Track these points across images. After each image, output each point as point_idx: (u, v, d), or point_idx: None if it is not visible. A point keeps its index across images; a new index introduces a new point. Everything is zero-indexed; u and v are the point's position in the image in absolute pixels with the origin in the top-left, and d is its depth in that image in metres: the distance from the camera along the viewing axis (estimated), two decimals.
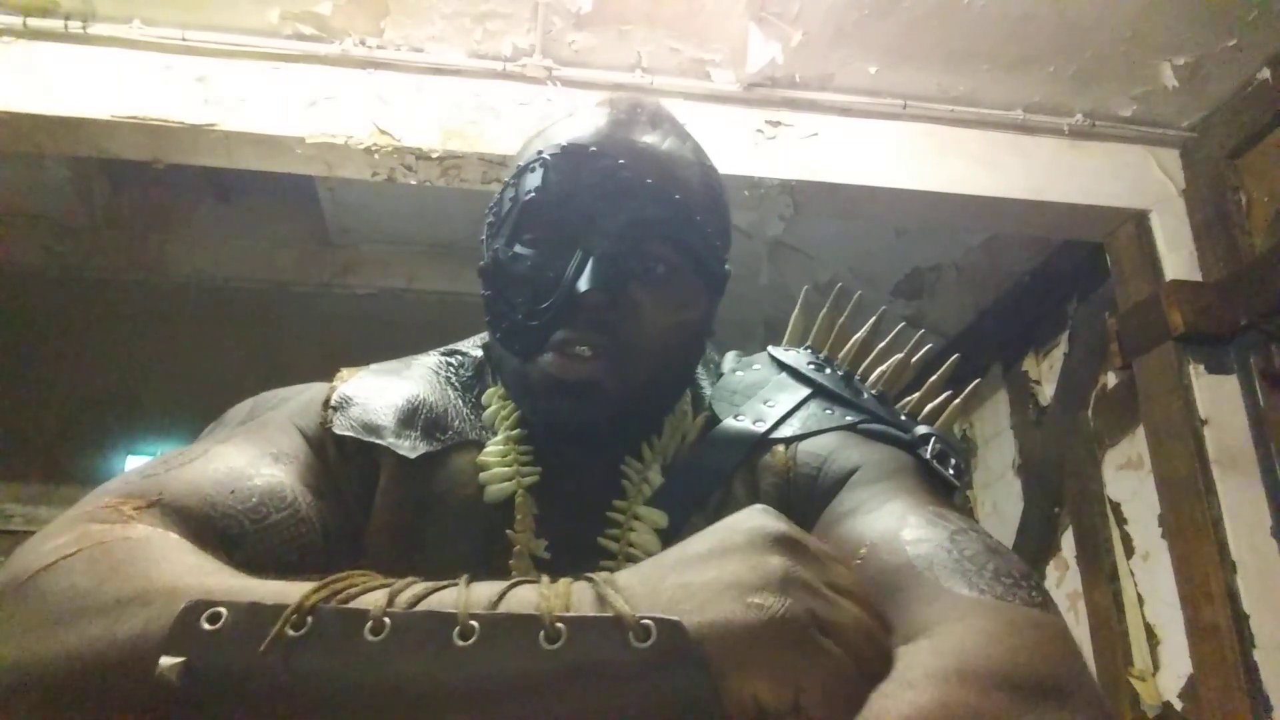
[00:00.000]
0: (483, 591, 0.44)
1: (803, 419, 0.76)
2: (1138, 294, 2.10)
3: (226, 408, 0.76)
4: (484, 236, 0.76)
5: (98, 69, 1.86)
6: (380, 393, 0.75)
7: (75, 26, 1.85)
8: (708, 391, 0.81)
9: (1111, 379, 2.34)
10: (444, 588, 0.44)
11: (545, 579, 0.45)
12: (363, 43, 1.94)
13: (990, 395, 2.93)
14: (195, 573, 0.47)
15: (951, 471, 0.71)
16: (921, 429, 0.75)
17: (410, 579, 0.45)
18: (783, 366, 0.83)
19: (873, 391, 0.81)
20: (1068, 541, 2.49)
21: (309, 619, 0.41)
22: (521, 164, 0.73)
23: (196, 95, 1.87)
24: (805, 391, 0.79)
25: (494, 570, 0.64)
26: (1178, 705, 2.03)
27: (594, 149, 0.70)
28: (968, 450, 3.05)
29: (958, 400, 0.81)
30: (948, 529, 0.59)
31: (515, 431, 0.73)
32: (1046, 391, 2.65)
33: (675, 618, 0.41)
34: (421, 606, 0.43)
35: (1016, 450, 2.78)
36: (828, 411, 0.77)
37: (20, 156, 2.62)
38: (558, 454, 0.72)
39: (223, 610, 0.42)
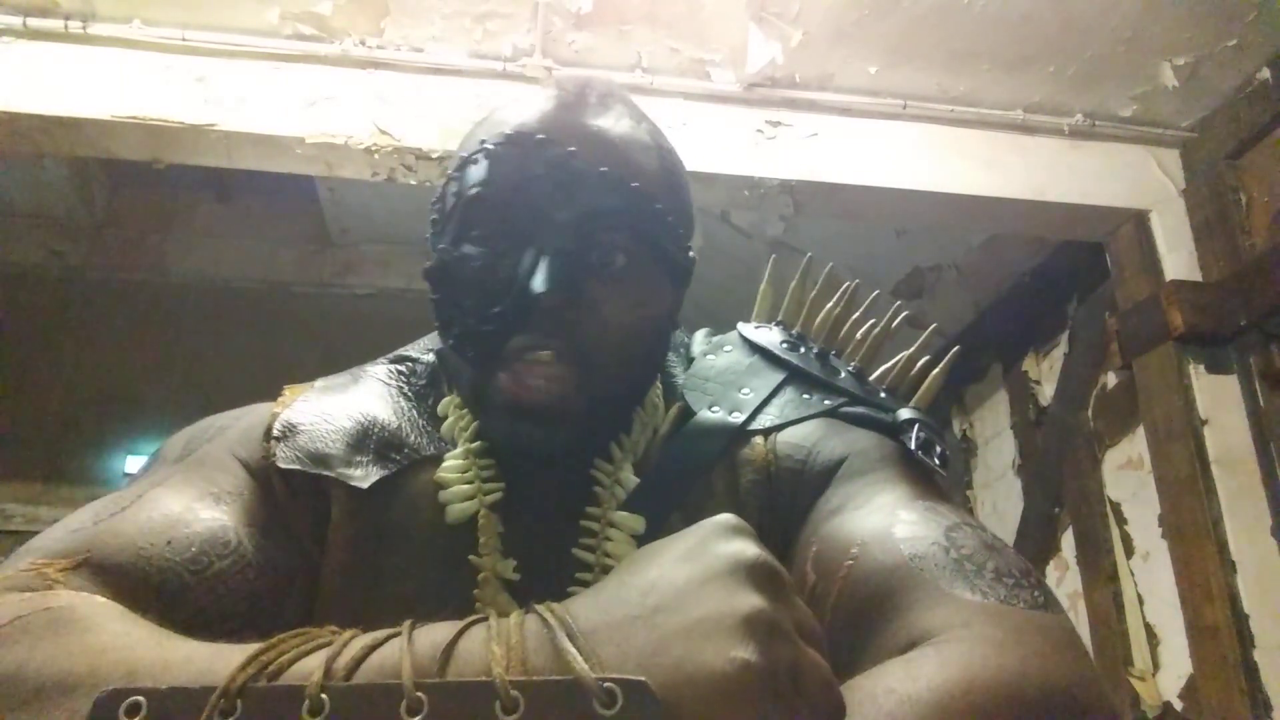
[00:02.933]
0: (427, 645, 0.40)
1: (780, 406, 0.72)
2: (1138, 294, 2.10)
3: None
4: (428, 235, 0.70)
5: (98, 69, 1.86)
6: (326, 415, 0.69)
7: (75, 26, 1.85)
8: (679, 379, 0.76)
9: (1111, 379, 2.34)
10: (385, 641, 0.40)
11: (492, 621, 0.41)
12: (363, 43, 1.94)
13: (990, 395, 2.93)
14: (120, 648, 0.43)
15: (937, 460, 0.66)
16: (905, 413, 0.70)
17: (351, 633, 0.41)
18: (755, 348, 0.78)
19: (849, 368, 0.76)
20: (1068, 541, 2.49)
21: (239, 702, 0.37)
22: (464, 155, 0.67)
23: (196, 95, 1.87)
24: (780, 376, 0.75)
25: (460, 599, 0.61)
26: (1178, 705, 2.03)
27: (541, 136, 0.64)
28: (967, 451, 3.05)
29: (937, 370, 0.76)
30: (942, 524, 0.56)
31: (475, 444, 0.67)
32: (1046, 391, 2.65)
33: (642, 679, 0.37)
34: (362, 672, 0.38)
35: (1016, 450, 2.78)
36: (805, 396, 0.73)
37: (20, 156, 2.62)
38: (522, 464, 0.67)
39: (141, 701, 0.37)
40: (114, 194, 3.32)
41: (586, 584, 0.62)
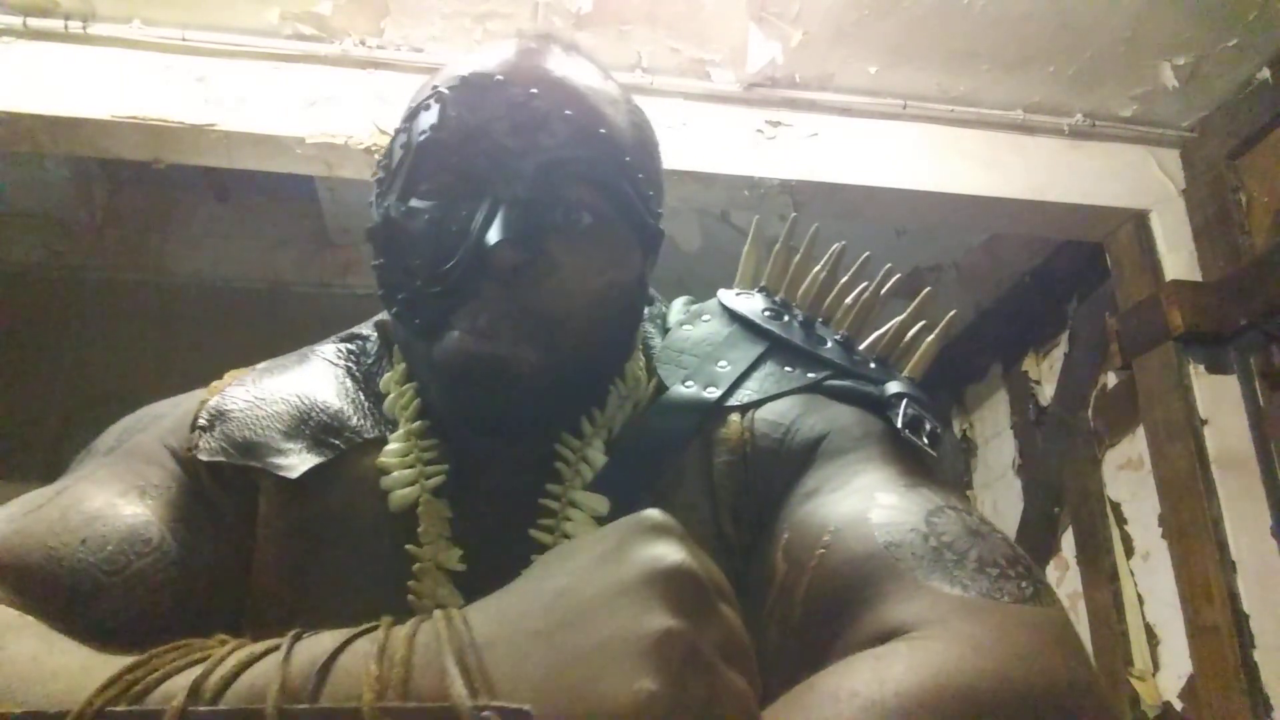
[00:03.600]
0: (304, 661, 0.36)
1: (759, 380, 0.66)
2: (1138, 294, 2.10)
3: None
4: (372, 197, 0.63)
5: (98, 69, 1.85)
6: (260, 400, 0.64)
7: (75, 26, 1.85)
8: (657, 351, 0.70)
9: (1111, 379, 2.34)
10: (263, 655, 0.37)
11: (382, 631, 0.37)
12: (363, 43, 1.94)
13: (990, 395, 2.93)
14: None
15: (926, 439, 0.61)
16: (893, 386, 0.65)
17: (232, 646, 0.38)
18: (735, 317, 0.71)
19: (837, 337, 0.70)
20: (1068, 541, 2.49)
21: None
22: (414, 104, 0.61)
23: (196, 95, 1.87)
24: (761, 347, 0.68)
25: (403, 595, 0.57)
26: (1178, 705, 2.03)
27: (500, 77, 0.58)
28: (967, 450, 3.04)
29: (932, 336, 0.70)
30: (923, 508, 0.51)
31: (416, 423, 0.61)
32: (1046, 391, 2.65)
33: (526, 708, 0.32)
34: (230, 694, 0.35)
35: (1016, 450, 2.77)
36: (787, 369, 0.67)
37: (20, 156, 2.62)
38: (476, 442, 0.62)
39: None
40: (114, 194, 3.32)
41: None
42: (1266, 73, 1.96)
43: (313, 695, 0.34)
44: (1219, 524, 1.83)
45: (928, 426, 0.62)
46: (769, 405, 0.64)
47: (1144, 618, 2.17)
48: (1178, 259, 2.07)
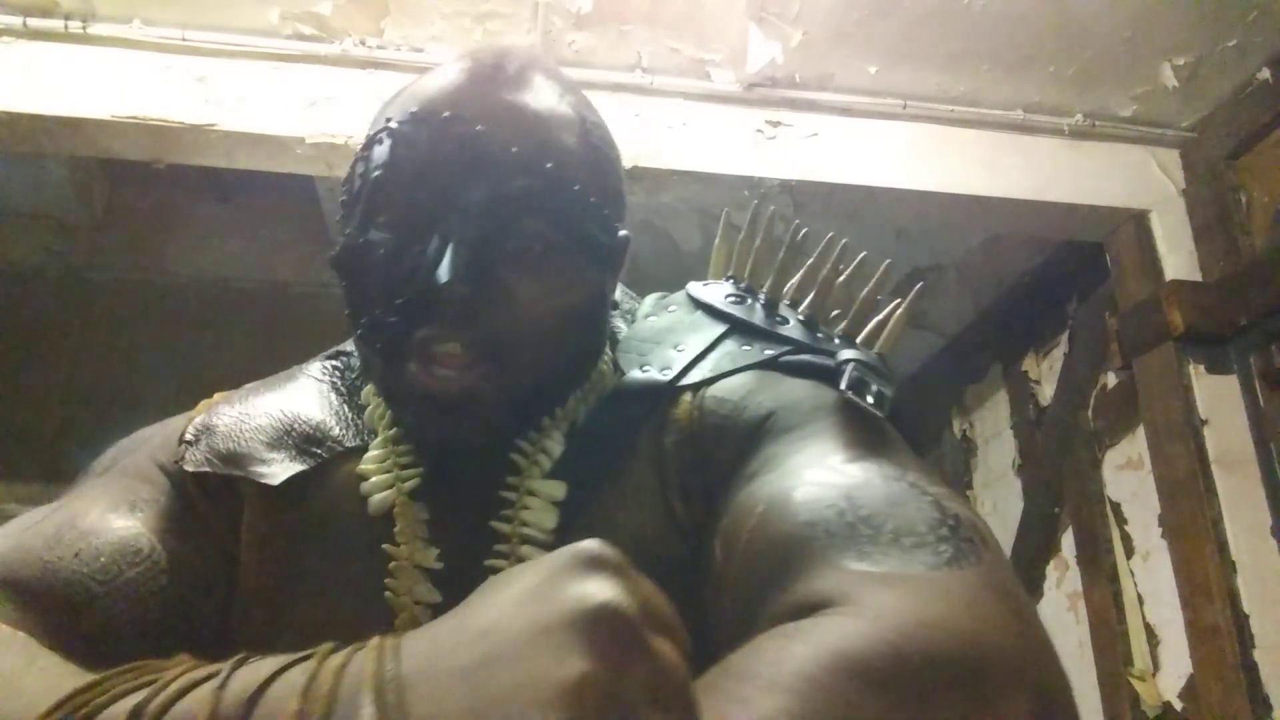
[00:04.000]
0: (240, 689, 0.36)
1: (715, 360, 0.66)
2: (1138, 294, 2.10)
3: None
4: (337, 219, 0.65)
5: (98, 69, 1.85)
6: (245, 415, 0.67)
7: (75, 26, 1.85)
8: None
9: (1111, 379, 2.34)
10: (203, 681, 0.37)
11: (315, 661, 0.36)
12: (363, 43, 1.94)
13: (990, 395, 2.93)
14: None
15: (871, 400, 0.59)
16: (846, 353, 0.64)
17: (180, 670, 0.38)
18: (699, 305, 0.72)
19: (799, 316, 0.70)
20: (1068, 541, 2.49)
21: None
22: (370, 133, 0.63)
23: (196, 95, 1.87)
24: (720, 329, 0.69)
25: (383, 593, 0.59)
26: (1178, 705, 2.03)
27: (448, 114, 0.59)
28: (967, 450, 3.04)
29: (900, 310, 0.68)
30: (849, 482, 0.50)
31: (392, 431, 0.64)
32: (1046, 391, 2.65)
33: None
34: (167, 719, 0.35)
35: (1016, 450, 2.77)
36: (745, 348, 0.67)
37: (20, 156, 2.62)
38: (441, 447, 0.63)
39: None
40: (114, 194, 3.32)
41: (504, 557, 0.59)
42: (1266, 73, 1.96)
43: None
44: (1219, 524, 1.83)
45: (874, 387, 0.60)
46: (720, 383, 0.64)
47: (1144, 618, 2.17)
48: (1178, 259, 2.07)
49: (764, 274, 0.73)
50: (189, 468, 0.63)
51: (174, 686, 0.36)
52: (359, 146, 0.64)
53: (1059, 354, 2.61)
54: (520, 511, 0.60)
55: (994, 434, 2.92)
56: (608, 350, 0.70)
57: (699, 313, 0.72)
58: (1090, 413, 2.43)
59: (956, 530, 0.47)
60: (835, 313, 0.71)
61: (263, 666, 0.36)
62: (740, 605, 0.49)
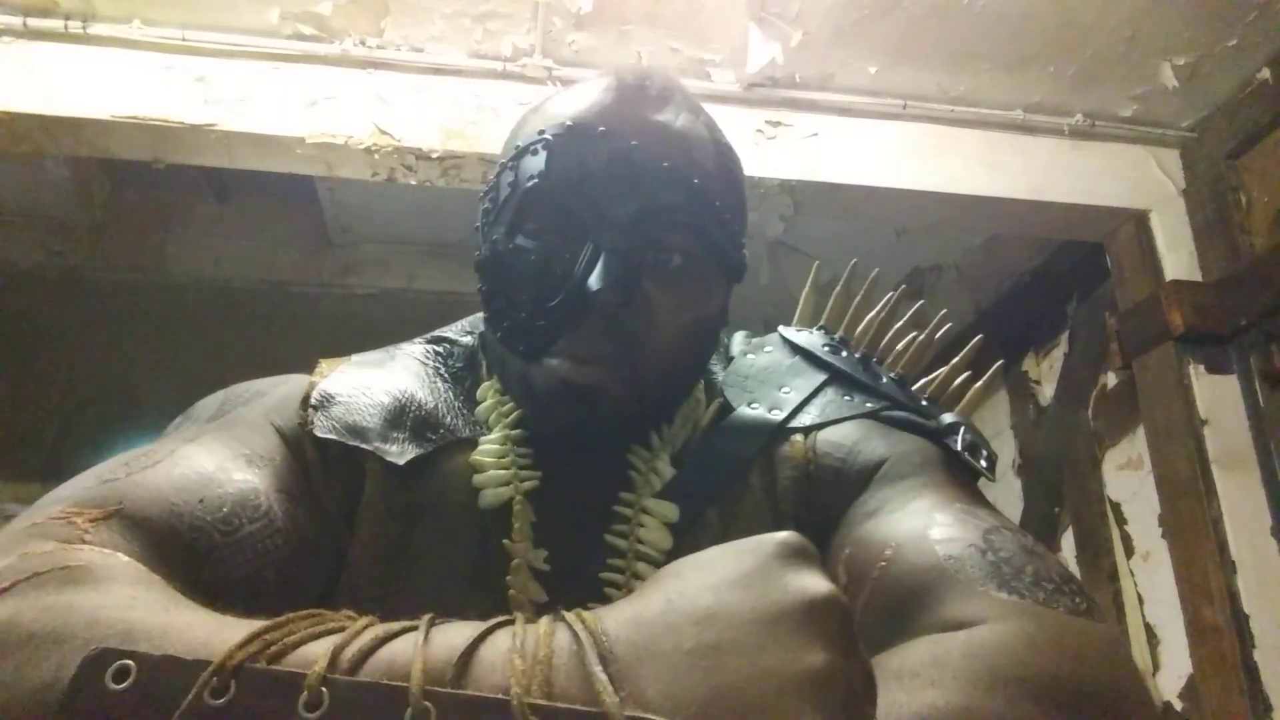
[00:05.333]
0: (443, 646, 0.36)
1: (821, 406, 0.71)
2: (1138, 294, 2.10)
3: None
4: (479, 225, 0.69)
5: (98, 69, 1.85)
6: (364, 389, 0.68)
7: (75, 26, 1.85)
8: (719, 377, 0.76)
9: (1111, 379, 2.34)
10: (399, 634, 0.37)
11: (519, 626, 0.37)
12: (363, 43, 1.94)
13: (990, 395, 2.93)
14: (123, 607, 0.40)
15: (984, 464, 0.66)
16: (949, 417, 0.70)
17: (365, 621, 0.38)
18: (796, 349, 0.77)
19: (892, 375, 0.75)
20: (1068, 541, 2.49)
21: (232, 683, 0.34)
22: (521, 144, 0.66)
23: (196, 95, 1.87)
24: (822, 376, 0.74)
25: (488, 586, 0.60)
26: (1178, 705, 2.03)
27: (603, 129, 0.62)
28: None
29: (980, 384, 0.76)
30: (979, 527, 0.54)
31: (515, 431, 0.66)
32: (1046, 391, 2.65)
33: None
34: (369, 667, 0.35)
35: (1016, 450, 2.77)
36: (847, 398, 0.72)
37: (20, 156, 2.62)
38: (559, 451, 0.66)
39: (131, 665, 0.34)
40: (114, 194, 3.32)
41: (618, 571, 0.61)
42: (1266, 73, 1.96)
43: (454, 682, 0.34)
44: (1219, 524, 1.83)
45: (985, 453, 0.66)
46: (831, 428, 0.69)
47: (1144, 618, 2.17)
48: (1178, 259, 2.07)
49: (856, 331, 0.79)
50: (319, 432, 0.63)
51: (368, 636, 0.36)
52: (509, 156, 0.66)
53: (1059, 354, 2.61)
54: (636, 529, 0.63)
55: (994, 434, 2.92)
56: (701, 379, 0.73)
57: (798, 357, 0.76)
58: (1090, 413, 2.43)
59: (1084, 589, 0.51)
60: (922, 381, 0.78)
61: (461, 628, 0.37)
62: (873, 625, 0.52)
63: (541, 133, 0.64)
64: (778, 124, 2.04)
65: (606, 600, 0.56)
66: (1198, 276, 2.05)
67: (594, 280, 0.59)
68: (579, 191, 0.62)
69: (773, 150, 2.02)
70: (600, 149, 0.62)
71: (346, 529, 0.63)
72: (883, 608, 0.52)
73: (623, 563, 0.62)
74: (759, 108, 2.04)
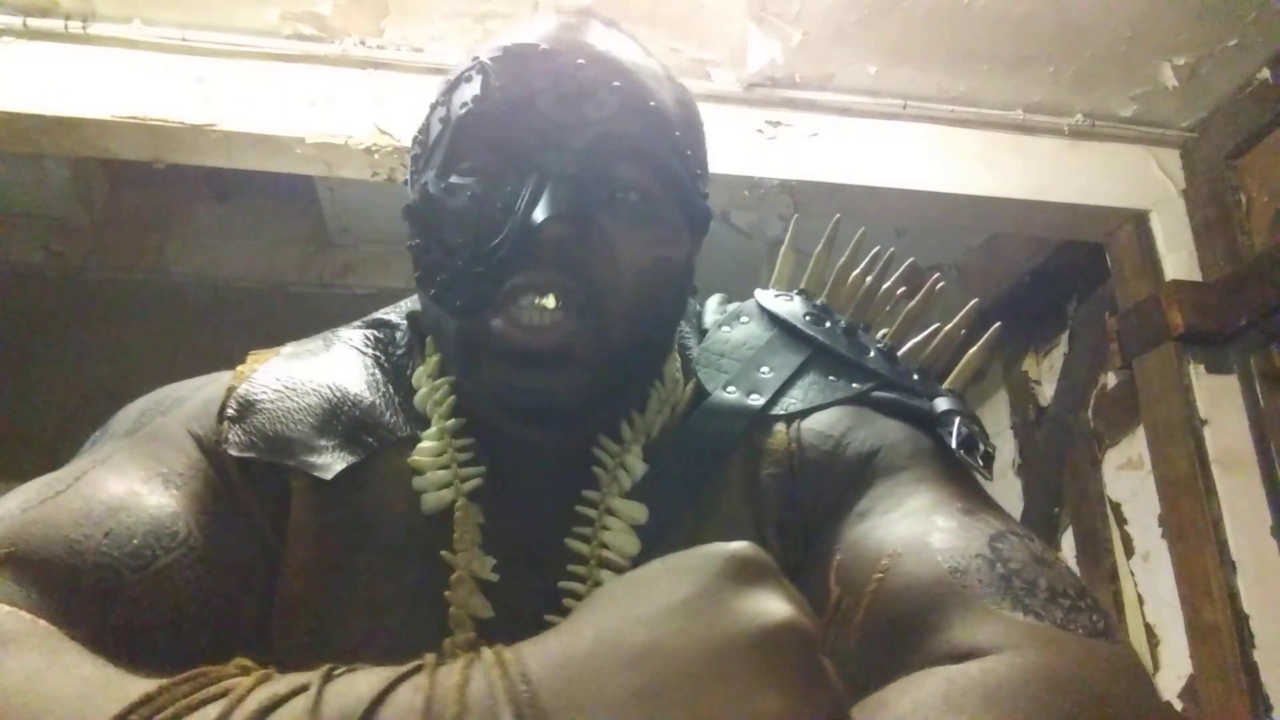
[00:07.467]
0: (336, 711, 0.31)
1: (804, 389, 0.63)
2: (1138, 294, 2.10)
3: None
4: (409, 174, 0.61)
5: (98, 69, 1.85)
6: (291, 390, 0.60)
7: (75, 26, 1.85)
8: (694, 353, 0.67)
9: (1111, 379, 2.34)
10: (289, 696, 0.32)
11: (426, 676, 0.32)
12: (363, 43, 1.94)
13: (990, 395, 2.93)
14: None
15: (981, 460, 0.59)
16: (943, 403, 0.62)
17: (255, 679, 0.34)
18: (775, 320, 0.69)
19: (879, 345, 0.68)
20: (1068, 541, 2.49)
21: None
22: (453, 77, 0.58)
23: (196, 95, 1.87)
24: (803, 354, 0.66)
25: (436, 602, 0.54)
26: (1178, 705, 2.03)
27: (545, 47, 0.55)
28: None
29: (975, 350, 0.69)
30: (985, 533, 0.50)
31: (451, 421, 0.59)
32: (1046, 391, 2.65)
33: None
34: None
35: (1016, 450, 2.77)
36: (831, 379, 0.64)
37: (20, 156, 2.62)
38: (510, 441, 0.58)
39: None
40: (114, 194, 3.32)
41: (579, 579, 0.55)
42: (1266, 73, 1.96)
43: None
44: (1219, 524, 1.83)
45: (981, 448, 0.60)
46: (815, 416, 0.62)
47: (1144, 618, 2.17)
48: (1178, 259, 2.07)
49: (840, 293, 0.72)
50: (233, 452, 0.56)
51: (253, 703, 0.31)
52: (441, 91, 0.58)
53: (1059, 354, 2.61)
54: (600, 532, 0.56)
55: (994, 434, 2.92)
56: (677, 355, 0.66)
57: (777, 330, 0.68)
58: (1090, 413, 2.43)
59: (1099, 604, 0.47)
60: (912, 343, 0.71)
61: (359, 684, 0.32)
62: (875, 645, 0.48)
63: (476, 59, 0.56)
64: (778, 124, 2.04)
65: (565, 613, 0.47)
66: (1198, 276, 2.05)
67: (540, 210, 0.51)
68: (520, 116, 0.54)
69: (773, 150, 2.02)
70: (543, 67, 0.54)
71: (281, 549, 0.56)
72: (883, 628, 0.48)
73: (584, 570, 0.55)
74: (759, 108, 2.04)
